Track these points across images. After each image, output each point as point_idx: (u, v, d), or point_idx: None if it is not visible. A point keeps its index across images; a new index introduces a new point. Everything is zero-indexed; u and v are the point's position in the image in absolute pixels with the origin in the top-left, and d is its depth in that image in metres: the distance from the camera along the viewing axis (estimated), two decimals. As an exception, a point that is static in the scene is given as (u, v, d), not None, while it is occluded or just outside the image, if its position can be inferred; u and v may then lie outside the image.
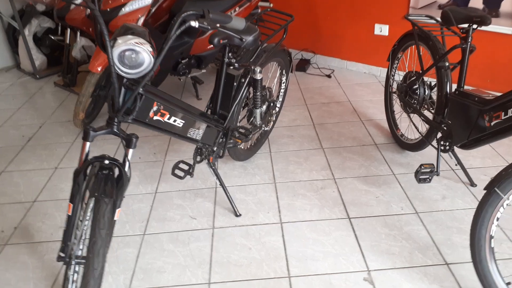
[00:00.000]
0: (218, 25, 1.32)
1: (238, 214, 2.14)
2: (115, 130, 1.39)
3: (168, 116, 1.57)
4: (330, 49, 3.78)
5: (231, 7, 3.16)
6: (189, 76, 3.22)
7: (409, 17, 2.30)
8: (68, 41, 3.55)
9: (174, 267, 1.88)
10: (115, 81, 1.27)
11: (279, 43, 2.30)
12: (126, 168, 1.45)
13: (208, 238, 2.03)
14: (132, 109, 1.39)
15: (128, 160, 1.44)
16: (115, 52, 1.22)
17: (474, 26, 1.95)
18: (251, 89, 2.14)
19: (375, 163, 2.49)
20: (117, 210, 1.50)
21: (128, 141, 1.42)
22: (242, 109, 2.23)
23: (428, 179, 2.09)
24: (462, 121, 1.93)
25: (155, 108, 1.47)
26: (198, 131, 1.81)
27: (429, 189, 2.25)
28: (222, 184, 2.16)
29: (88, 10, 2.80)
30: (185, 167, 2.16)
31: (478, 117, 1.81)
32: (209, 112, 2.05)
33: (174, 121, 1.62)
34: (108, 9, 2.70)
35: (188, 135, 1.76)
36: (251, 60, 2.00)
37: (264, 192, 2.31)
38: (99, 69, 2.69)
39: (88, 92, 2.75)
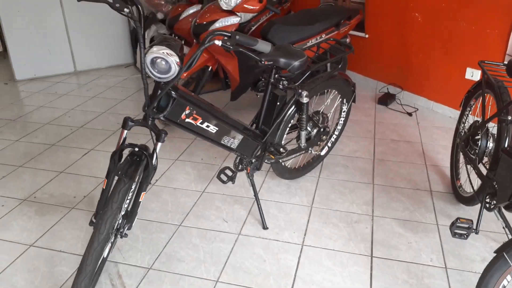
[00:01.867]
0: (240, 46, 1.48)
1: (265, 227, 2.25)
2: (149, 124, 1.63)
3: (200, 121, 1.77)
4: (417, 87, 3.66)
5: (317, 33, 3.29)
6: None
7: (481, 63, 2.18)
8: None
9: (193, 259, 2.06)
10: (145, 81, 1.52)
11: (333, 71, 2.36)
12: (154, 159, 1.68)
13: (232, 242, 2.17)
14: (164, 109, 1.62)
15: (156, 152, 1.67)
16: (149, 57, 1.47)
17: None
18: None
19: (422, 209, 2.38)
20: (142, 193, 1.75)
21: (158, 136, 1.65)
22: (289, 129, 2.34)
23: (464, 236, 1.95)
24: (507, 180, 1.78)
25: (187, 111, 1.68)
26: (233, 140, 1.98)
27: (471, 247, 2.09)
28: (256, 196, 2.29)
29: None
30: (230, 174, 2.35)
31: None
32: (253, 126, 2.21)
33: (207, 126, 1.81)
34: (203, 23, 3.05)
35: (222, 142, 1.94)
36: (296, 83, 2.11)
37: (297, 213, 2.37)
38: (185, 75, 3.05)
39: (172, 93, 3.11)
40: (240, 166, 2.26)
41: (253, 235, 2.22)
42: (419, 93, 3.66)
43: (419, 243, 2.13)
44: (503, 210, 1.93)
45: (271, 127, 2.13)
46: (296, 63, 1.96)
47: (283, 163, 2.46)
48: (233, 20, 2.99)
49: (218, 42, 1.47)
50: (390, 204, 2.43)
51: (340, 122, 2.75)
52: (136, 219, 1.85)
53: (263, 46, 1.55)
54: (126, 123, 1.63)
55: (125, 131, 1.65)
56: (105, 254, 1.97)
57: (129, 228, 1.81)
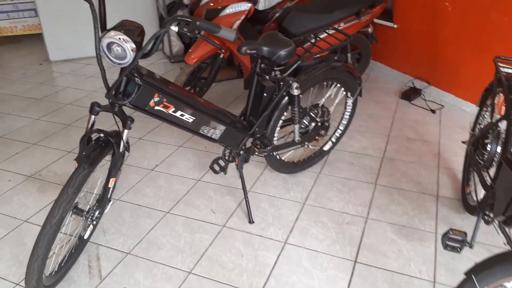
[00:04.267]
0: (202, 33, 1.41)
1: (251, 221, 2.19)
2: (115, 110, 1.61)
3: (173, 109, 1.72)
4: (445, 83, 3.39)
5: (336, 22, 3.13)
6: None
7: (497, 59, 1.96)
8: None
9: (172, 248, 2.05)
10: (101, 67, 1.49)
11: (330, 62, 2.21)
12: (121, 146, 1.66)
13: (214, 233, 2.13)
14: (130, 95, 1.59)
15: (123, 139, 1.65)
16: (104, 42, 1.43)
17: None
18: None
19: (423, 215, 2.21)
20: (111, 179, 1.75)
21: (124, 123, 1.63)
22: (284, 122, 2.24)
23: (457, 249, 1.77)
24: (504, 192, 1.59)
25: (156, 99, 1.64)
26: (214, 131, 1.92)
27: (468, 262, 1.91)
28: (243, 189, 2.23)
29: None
30: (222, 164, 2.30)
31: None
32: (242, 117, 2.13)
33: (181, 115, 1.76)
34: (214, 9, 2.99)
35: (201, 132, 1.89)
36: (284, 74, 2.00)
37: (288, 209, 2.28)
38: (194, 61, 3.01)
39: (181, 80, 3.09)
40: (228, 157, 2.20)
41: (238, 228, 2.16)
42: (446, 89, 3.39)
43: (411, 252, 1.98)
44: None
45: (259, 119, 2.04)
46: (282, 52, 1.86)
47: (277, 156, 2.37)
48: (244, 6, 2.91)
49: (175, 28, 1.41)
50: (389, 207, 2.28)
51: (345, 116, 2.60)
52: (111, 203, 1.86)
53: (227, 34, 1.47)
54: (93, 108, 1.62)
55: (93, 116, 1.64)
56: (86, 235, 2.00)
57: (100, 213, 1.82)
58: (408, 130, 3.05)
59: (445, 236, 1.79)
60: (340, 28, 3.14)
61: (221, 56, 3.14)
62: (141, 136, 3.08)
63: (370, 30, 3.37)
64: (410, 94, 3.45)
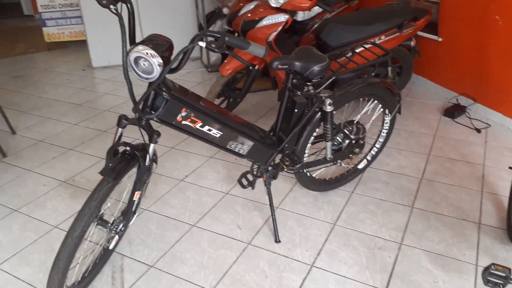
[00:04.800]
0: (227, 48, 1.36)
1: (277, 240, 2.11)
2: (142, 124, 1.59)
3: (200, 124, 1.68)
4: (493, 100, 3.19)
5: (376, 34, 3.01)
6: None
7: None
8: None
9: (195, 263, 2.01)
10: (128, 80, 1.48)
11: (367, 78, 2.11)
12: (147, 161, 1.64)
13: (239, 251, 2.07)
14: (157, 109, 1.57)
15: (149, 154, 1.63)
16: (132, 56, 1.42)
17: None
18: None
19: (462, 244, 2.05)
20: (136, 193, 1.73)
21: (150, 137, 1.61)
22: (315, 138, 2.16)
23: (499, 286, 1.63)
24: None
25: (183, 113, 1.61)
26: (242, 146, 1.87)
27: (512, 300, 1.74)
28: (271, 206, 2.16)
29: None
30: (250, 178, 2.24)
31: None
32: (272, 133, 2.07)
33: (209, 130, 1.72)
34: (251, 20, 2.96)
35: (229, 147, 1.84)
36: (317, 90, 1.92)
37: (317, 229, 2.19)
38: (228, 72, 2.99)
39: (215, 91, 3.08)
40: (256, 172, 2.14)
41: (263, 247, 2.10)
42: (494, 107, 3.19)
43: (447, 284, 1.83)
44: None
45: (288, 135, 1.97)
46: (316, 68, 1.79)
47: (308, 173, 2.29)
48: (281, 18, 2.85)
49: (202, 44, 1.38)
50: (425, 233, 2.14)
51: (382, 134, 2.48)
52: (135, 215, 1.85)
53: (256, 50, 1.41)
54: (120, 121, 1.61)
55: (120, 129, 1.63)
56: (111, 246, 2.00)
57: (124, 226, 1.81)
58: (450, 150, 2.87)
59: (487, 270, 1.65)
60: (380, 41, 3.03)
61: (256, 67, 3.10)
62: (174, 146, 3.09)
63: (412, 43, 3.23)
64: (454, 111, 3.27)
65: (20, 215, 2.38)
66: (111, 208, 1.91)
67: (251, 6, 3.51)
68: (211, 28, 4.44)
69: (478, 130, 3.08)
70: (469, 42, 3.28)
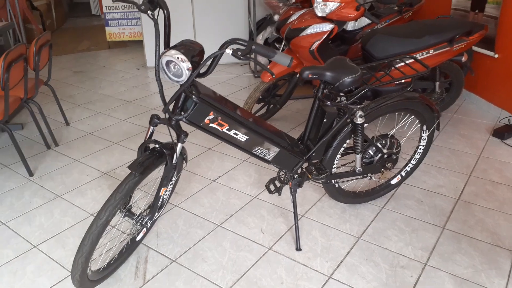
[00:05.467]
0: (253, 56, 1.39)
1: (298, 248, 2.12)
2: (171, 124, 1.67)
3: (227, 127, 1.73)
4: (549, 123, 2.98)
5: (424, 48, 2.92)
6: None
7: None
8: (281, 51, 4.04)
9: (215, 262, 2.06)
10: (159, 83, 1.56)
11: (404, 92, 2.06)
12: (173, 159, 1.72)
13: (259, 254, 2.10)
14: (187, 111, 1.64)
15: (176, 152, 1.71)
16: (163, 60, 1.50)
17: None
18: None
19: (492, 271, 1.95)
20: (162, 189, 1.81)
21: (178, 136, 1.68)
22: (343, 149, 2.14)
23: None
24: None
25: (211, 116, 1.67)
26: (267, 152, 1.90)
27: (539, 337, 1.63)
28: (295, 214, 2.17)
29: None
30: (278, 185, 2.27)
31: None
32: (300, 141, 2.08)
33: (235, 134, 1.77)
34: (295, 28, 2.98)
35: (254, 152, 1.88)
36: (348, 101, 1.90)
37: (340, 241, 2.17)
38: (269, 79, 3.03)
39: (255, 96, 3.13)
40: (282, 178, 2.16)
41: (283, 253, 2.11)
42: (550, 131, 2.98)
43: (470, 312, 1.75)
44: None
45: (316, 145, 1.97)
46: (347, 79, 1.78)
47: (336, 184, 2.27)
48: (326, 27, 2.85)
49: (229, 51, 1.42)
50: (453, 256, 2.05)
51: (418, 150, 2.40)
52: (161, 211, 1.93)
53: (282, 59, 1.44)
54: (152, 120, 1.71)
55: (151, 127, 1.72)
56: (139, 237, 2.11)
57: (150, 219, 1.89)
58: (493, 172, 2.72)
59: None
60: (428, 55, 2.94)
61: (297, 75, 3.11)
62: (211, 147, 3.18)
63: (464, 59, 3.08)
64: (504, 133, 3.09)
65: (63, 201, 2.57)
66: (141, 202, 2.01)
67: (298, 14, 3.55)
68: (261, 34, 4.51)
69: (529, 154, 2.90)
70: (526, 59, 3.10)
